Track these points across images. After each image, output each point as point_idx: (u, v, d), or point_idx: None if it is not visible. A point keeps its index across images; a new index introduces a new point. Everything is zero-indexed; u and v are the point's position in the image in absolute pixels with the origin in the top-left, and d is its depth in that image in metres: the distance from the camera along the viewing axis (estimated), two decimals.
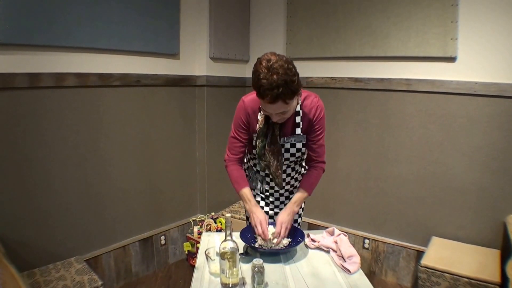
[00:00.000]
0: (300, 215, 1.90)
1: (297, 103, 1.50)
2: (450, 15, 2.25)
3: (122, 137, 2.48)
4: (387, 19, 2.48)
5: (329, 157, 2.85)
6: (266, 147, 1.55)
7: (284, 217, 1.57)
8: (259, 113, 1.57)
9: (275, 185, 1.70)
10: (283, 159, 1.61)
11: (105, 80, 2.31)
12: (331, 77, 2.79)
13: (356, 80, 2.69)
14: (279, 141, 1.56)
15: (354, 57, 2.68)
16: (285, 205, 1.80)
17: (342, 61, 2.76)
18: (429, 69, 2.40)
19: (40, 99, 2.05)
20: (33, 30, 1.94)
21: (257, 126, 1.56)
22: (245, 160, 1.86)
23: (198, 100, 2.97)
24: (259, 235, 1.54)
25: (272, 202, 1.82)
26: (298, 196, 1.63)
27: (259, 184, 1.80)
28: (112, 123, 2.41)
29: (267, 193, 1.81)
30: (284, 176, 1.71)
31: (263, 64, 1.33)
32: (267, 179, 1.76)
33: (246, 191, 1.63)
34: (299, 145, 1.60)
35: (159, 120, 2.71)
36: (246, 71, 3.31)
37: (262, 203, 1.83)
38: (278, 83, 1.30)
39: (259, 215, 1.57)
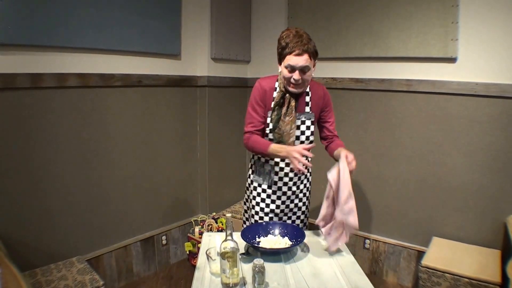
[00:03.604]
0: (306, 215, 1.97)
1: (311, 78, 1.70)
2: (450, 16, 2.26)
3: (123, 137, 2.49)
4: (387, 20, 2.48)
5: (328, 156, 2.85)
6: (282, 118, 1.71)
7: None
8: (274, 92, 1.75)
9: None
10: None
11: (106, 81, 2.32)
12: (332, 78, 2.80)
13: (357, 80, 2.69)
14: (294, 111, 1.71)
15: (355, 58, 2.69)
16: (291, 201, 1.88)
17: (343, 62, 2.76)
18: (429, 70, 2.40)
19: (42, 99, 2.06)
20: (34, 30, 1.95)
21: (273, 102, 1.73)
22: (253, 154, 1.92)
23: (199, 100, 2.97)
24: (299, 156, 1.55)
25: (279, 198, 1.86)
26: (343, 148, 1.70)
27: (267, 177, 1.85)
28: (114, 123, 2.42)
29: (275, 187, 1.85)
30: (291, 175, 1.83)
31: (291, 30, 1.63)
32: (276, 168, 1.82)
33: (274, 145, 1.68)
34: (308, 123, 1.78)
35: (161, 120, 2.72)
36: (247, 72, 3.31)
37: (268, 200, 1.87)
38: (307, 40, 1.60)
39: (296, 147, 1.59)
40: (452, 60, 2.31)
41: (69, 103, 2.17)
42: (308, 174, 1.96)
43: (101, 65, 2.30)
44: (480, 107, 2.26)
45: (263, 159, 1.86)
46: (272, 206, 1.87)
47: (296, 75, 1.61)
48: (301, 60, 1.59)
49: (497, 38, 2.16)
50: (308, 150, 1.58)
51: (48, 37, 2.01)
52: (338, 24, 2.69)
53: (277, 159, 1.80)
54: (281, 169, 1.82)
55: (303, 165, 1.56)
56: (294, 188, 1.87)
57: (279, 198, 1.86)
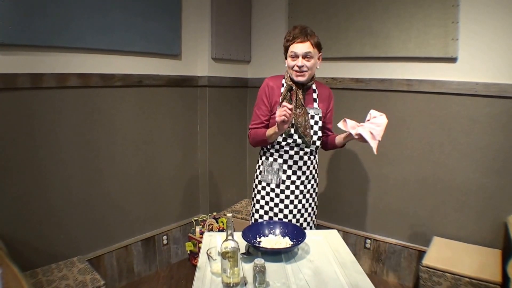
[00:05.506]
0: (313, 219, 2.00)
1: (315, 70, 1.83)
2: (451, 16, 2.26)
3: (124, 137, 2.49)
4: (388, 20, 2.49)
5: (329, 157, 2.85)
6: (293, 111, 1.76)
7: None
8: (282, 87, 1.85)
9: (305, 143, 1.83)
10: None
11: (107, 81, 2.32)
12: (332, 78, 2.80)
13: (357, 80, 2.69)
14: (304, 104, 1.80)
15: (355, 58, 2.69)
16: (299, 201, 1.91)
17: (343, 62, 2.76)
18: (430, 70, 2.41)
19: (42, 100, 2.06)
20: (35, 30, 1.95)
21: (281, 97, 1.82)
22: (260, 154, 1.97)
23: (200, 100, 2.98)
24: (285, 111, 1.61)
25: (287, 197, 1.88)
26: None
27: (275, 176, 1.88)
28: (114, 123, 2.42)
29: (283, 186, 1.88)
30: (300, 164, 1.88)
31: (297, 26, 1.77)
32: (285, 166, 1.86)
33: (269, 129, 1.80)
34: (316, 118, 1.86)
35: (161, 120, 2.72)
36: (248, 72, 3.31)
37: (277, 200, 1.90)
38: (311, 32, 1.76)
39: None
40: (452, 60, 2.31)
41: (69, 103, 2.18)
42: (316, 175, 1.98)
43: (102, 65, 2.30)
44: (480, 106, 2.26)
45: (271, 158, 1.89)
46: (281, 206, 1.90)
47: (299, 62, 1.73)
48: (304, 47, 1.72)
49: (497, 38, 2.16)
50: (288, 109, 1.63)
51: (49, 37, 2.01)
52: (339, 24, 2.69)
53: (285, 157, 1.86)
54: (290, 167, 1.87)
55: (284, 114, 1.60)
56: (301, 188, 1.90)
57: (287, 197, 1.89)
